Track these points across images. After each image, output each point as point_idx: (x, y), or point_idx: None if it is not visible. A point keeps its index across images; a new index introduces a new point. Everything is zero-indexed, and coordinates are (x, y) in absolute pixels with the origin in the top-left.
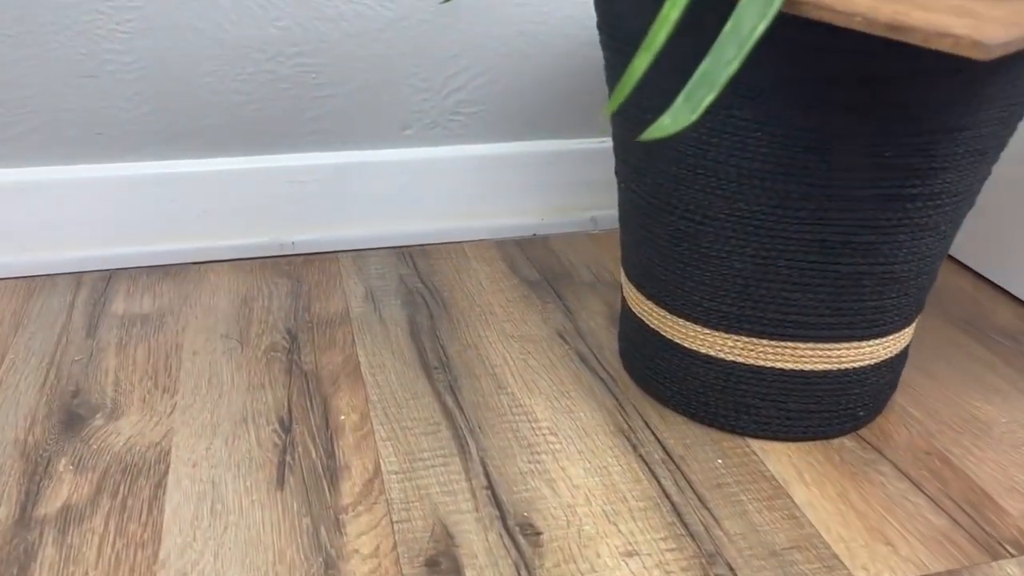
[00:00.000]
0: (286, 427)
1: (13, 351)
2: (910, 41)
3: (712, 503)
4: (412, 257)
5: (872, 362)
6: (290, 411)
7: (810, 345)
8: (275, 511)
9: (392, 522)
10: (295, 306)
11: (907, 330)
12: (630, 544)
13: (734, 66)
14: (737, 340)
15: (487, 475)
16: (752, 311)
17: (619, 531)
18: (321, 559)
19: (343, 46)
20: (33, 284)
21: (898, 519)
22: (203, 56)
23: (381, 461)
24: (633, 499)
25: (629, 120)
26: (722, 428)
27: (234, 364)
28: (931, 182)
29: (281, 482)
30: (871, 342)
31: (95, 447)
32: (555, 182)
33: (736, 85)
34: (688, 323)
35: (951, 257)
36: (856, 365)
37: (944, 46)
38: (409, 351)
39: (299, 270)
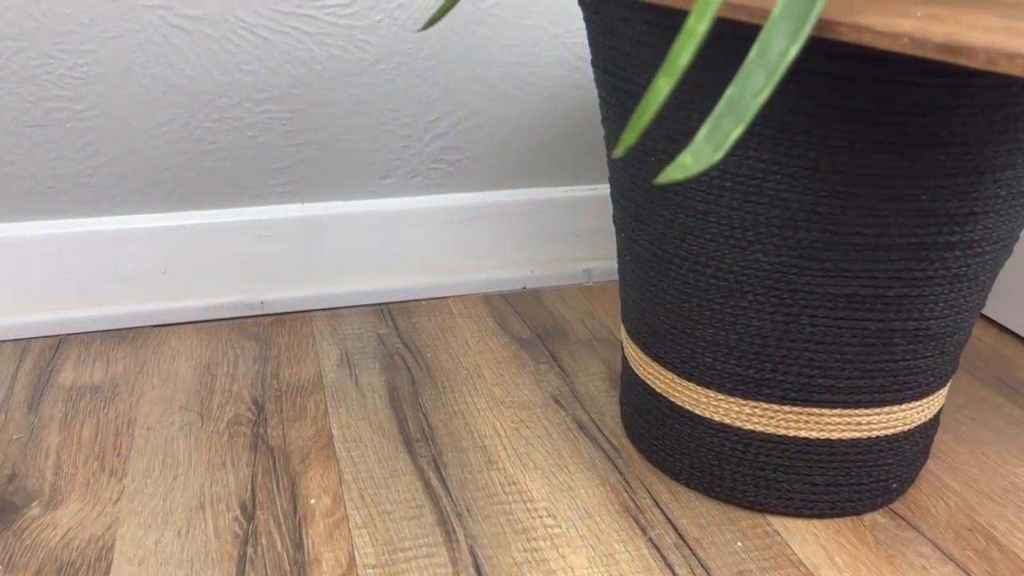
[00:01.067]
0: (249, 514)
1: None
2: (969, 64)
3: None
4: (392, 315)
5: (905, 428)
6: (254, 495)
7: (837, 411)
8: None
9: None
10: (263, 372)
11: (942, 392)
12: None
13: (764, 95)
14: (756, 407)
15: (477, 567)
16: (772, 374)
17: None
18: None
19: (316, 91)
20: None
21: None
22: (162, 103)
23: (356, 553)
24: None
25: (630, 162)
26: (740, 505)
27: (192, 441)
28: (971, 228)
29: None
30: (904, 406)
31: (28, 542)
32: (545, 232)
33: (751, 122)
34: (700, 388)
35: None
36: (888, 432)
37: (1015, 69)
38: (388, 422)
39: (268, 332)
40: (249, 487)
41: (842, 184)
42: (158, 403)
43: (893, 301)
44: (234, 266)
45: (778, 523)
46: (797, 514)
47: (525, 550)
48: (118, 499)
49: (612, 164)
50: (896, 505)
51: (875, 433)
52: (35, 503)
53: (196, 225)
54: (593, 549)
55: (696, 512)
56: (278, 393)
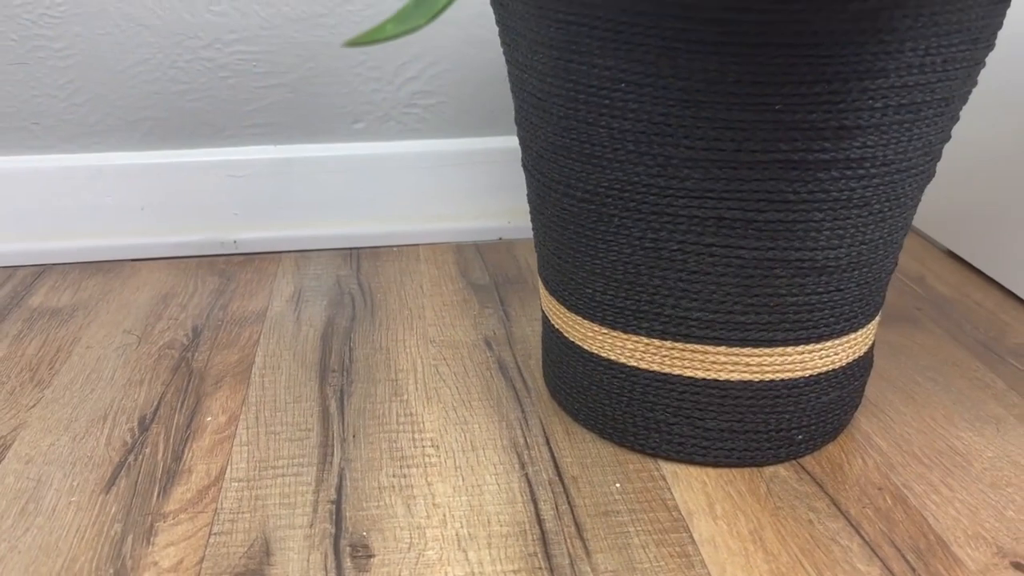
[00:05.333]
0: (144, 426)
1: None
2: None
3: (590, 533)
4: (359, 259)
5: (805, 374)
6: (157, 410)
7: (722, 349)
8: (89, 515)
9: (211, 534)
10: (214, 304)
11: (854, 337)
12: (473, 575)
13: None
14: (638, 341)
15: (340, 488)
16: (649, 306)
17: (466, 559)
18: (112, 570)
19: (284, 32)
20: None
21: (816, 565)
22: (135, 44)
23: (229, 467)
24: (498, 523)
25: (515, 89)
26: (632, 447)
27: (122, 360)
28: (846, 146)
29: (111, 484)
30: (799, 348)
31: None
32: (523, 182)
33: (593, 22)
34: (586, 321)
35: (974, 269)
36: (783, 377)
37: None
38: (312, 353)
39: (235, 269)
40: (156, 403)
41: (687, 91)
42: (106, 326)
43: (766, 227)
44: (208, 205)
45: (668, 468)
46: (689, 460)
47: (394, 476)
48: (34, 406)
49: (512, 91)
50: (807, 460)
51: (767, 376)
52: None
53: (172, 164)
54: (463, 480)
55: (585, 452)
56: (220, 323)
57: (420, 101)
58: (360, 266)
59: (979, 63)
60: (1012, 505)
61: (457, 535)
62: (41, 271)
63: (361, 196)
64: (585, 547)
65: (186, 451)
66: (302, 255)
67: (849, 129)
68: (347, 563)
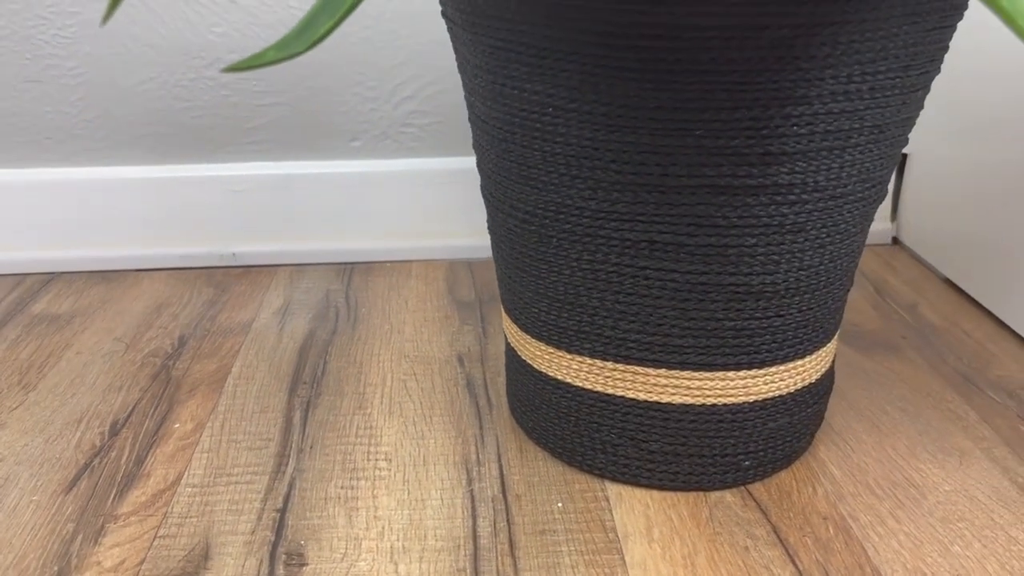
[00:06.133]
0: (115, 431)
1: None
2: None
3: (523, 551)
4: (352, 274)
5: (749, 399)
6: (130, 416)
7: (662, 371)
8: (47, 514)
9: (156, 536)
10: (204, 315)
11: (801, 364)
12: None
13: None
14: (582, 361)
15: (288, 497)
16: (589, 327)
17: (396, 571)
18: (57, 568)
19: None
20: None
21: None
22: (141, 63)
23: (186, 472)
24: (434, 538)
25: (467, 105)
26: (580, 467)
27: (106, 366)
28: (774, 172)
29: (72, 486)
30: (740, 373)
31: None
32: None
33: (519, 48)
34: (535, 341)
35: (970, 299)
36: (725, 401)
37: None
38: (288, 365)
39: (231, 281)
40: (130, 409)
41: (610, 116)
42: (98, 333)
43: (698, 251)
44: (209, 219)
45: (614, 489)
46: (635, 482)
47: (342, 487)
48: (16, 408)
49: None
50: (756, 486)
51: (709, 400)
52: None
53: (176, 178)
54: (408, 493)
55: (534, 471)
56: (206, 333)
57: (416, 120)
58: (351, 281)
59: (917, 89)
60: (960, 540)
61: (392, 548)
62: (49, 279)
63: (357, 212)
64: (515, 564)
65: (149, 456)
66: (297, 269)
67: (775, 155)
68: (280, 570)
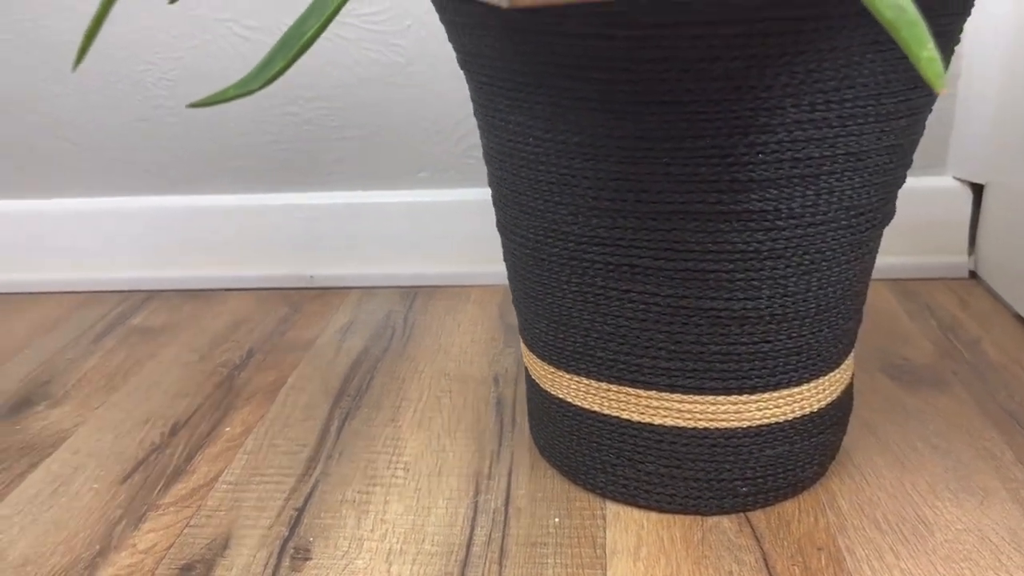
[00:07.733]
0: (175, 431)
1: (35, 350)
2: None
3: (511, 561)
4: (415, 297)
5: (742, 424)
6: (190, 418)
7: (652, 393)
8: (101, 500)
9: (187, 525)
10: (275, 331)
11: (798, 391)
12: None
13: (311, 35)
14: (579, 381)
15: (308, 498)
16: (583, 348)
17: (388, 571)
18: (99, 547)
19: (356, 92)
20: (85, 299)
21: None
22: (232, 102)
23: (226, 471)
24: (430, 543)
25: (483, 133)
26: (583, 486)
27: (181, 374)
28: (743, 199)
29: (128, 477)
30: (731, 398)
31: (18, 427)
32: None
33: (498, 83)
34: (539, 360)
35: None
36: (717, 426)
37: None
38: (337, 379)
39: (305, 301)
40: (191, 412)
41: (583, 145)
42: (181, 345)
43: (677, 275)
44: (292, 243)
45: (613, 509)
46: (633, 502)
47: (359, 492)
48: (98, 408)
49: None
50: (757, 513)
51: (700, 424)
52: (45, 402)
53: (261, 206)
54: (418, 501)
55: (540, 487)
56: (273, 347)
57: (475, 153)
58: (414, 304)
59: (899, 116)
60: None
61: (390, 549)
62: (149, 296)
63: (423, 238)
64: (500, 573)
65: (198, 455)
66: (367, 291)
67: (743, 183)
68: (286, 563)
